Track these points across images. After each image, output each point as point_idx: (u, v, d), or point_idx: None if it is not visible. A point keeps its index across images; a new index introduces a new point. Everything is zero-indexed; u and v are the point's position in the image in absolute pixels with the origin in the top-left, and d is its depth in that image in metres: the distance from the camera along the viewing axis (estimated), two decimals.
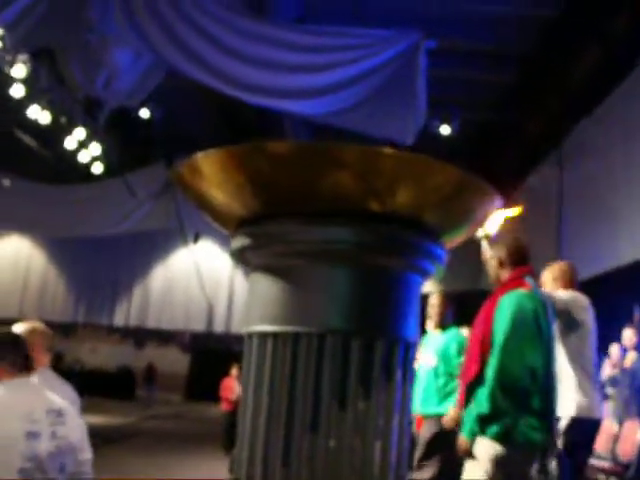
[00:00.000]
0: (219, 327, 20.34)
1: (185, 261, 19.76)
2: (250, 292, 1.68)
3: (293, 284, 1.57)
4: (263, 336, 1.59)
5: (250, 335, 1.63)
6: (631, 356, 5.80)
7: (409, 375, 1.62)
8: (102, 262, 20.50)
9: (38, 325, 2.99)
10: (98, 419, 12.84)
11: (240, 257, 1.69)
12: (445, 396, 4.68)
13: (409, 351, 1.62)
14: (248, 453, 1.56)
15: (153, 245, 20.26)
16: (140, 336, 22.26)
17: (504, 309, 3.00)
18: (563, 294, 3.86)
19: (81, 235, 17.51)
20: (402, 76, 9.79)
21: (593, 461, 5.69)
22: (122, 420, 13.62)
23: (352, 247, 1.53)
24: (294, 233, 1.54)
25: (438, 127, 12.80)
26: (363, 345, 1.53)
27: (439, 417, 4.59)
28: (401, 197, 1.49)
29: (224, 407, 9.77)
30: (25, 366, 2.47)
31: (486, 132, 15.04)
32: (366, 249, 1.54)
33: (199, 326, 20.52)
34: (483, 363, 2.95)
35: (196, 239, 18.92)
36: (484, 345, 2.96)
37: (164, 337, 22.19)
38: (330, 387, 1.51)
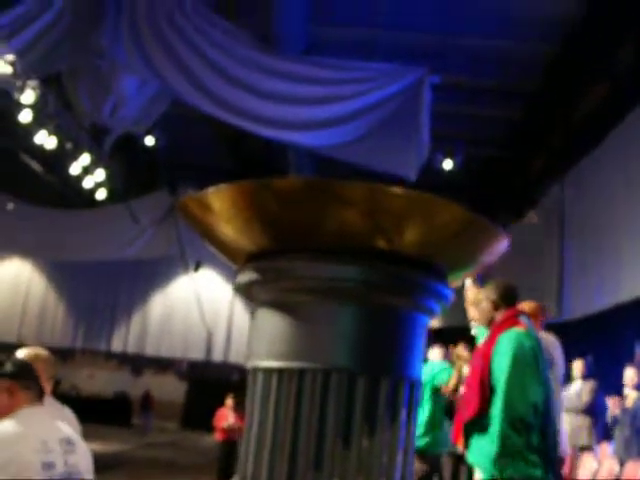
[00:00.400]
0: (218, 356, 20.24)
1: (185, 289, 19.76)
2: (256, 327, 1.68)
3: (299, 320, 1.57)
4: (268, 371, 1.58)
5: (255, 370, 1.63)
6: (632, 396, 5.76)
7: (413, 414, 1.62)
8: (102, 288, 20.50)
9: (41, 351, 2.97)
10: (94, 446, 12.67)
11: (247, 292, 1.70)
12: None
13: (414, 390, 1.62)
14: None
15: (154, 272, 20.26)
16: (138, 363, 22.13)
17: (504, 347, 3.05)
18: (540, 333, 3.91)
19: (83, 260, 17.53)
20: (406, 110, 9.87)
21: None
22: (118, 447, 13.47)
23: (359, 285, 1.53)
24: (301, 269, 1.54)
25: (441, 162, 12.88)
26: (368, 383, 1.53)
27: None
28: (408, 236, 1.50)
29: (218, 437, 9.67)
30: (40, 394, 2.45)
31: (489, 167, 15.13)
32: (373, 287, 1.54)
33: (198, 355, 20.43)
34: (482, 401, 2.97)
35: (197, 267, 18.92)
36: (483, 383, 3.00)
37: (162, 364, 22.07)
38: (335, 424, 1.51)
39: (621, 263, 8.99)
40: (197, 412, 20.34)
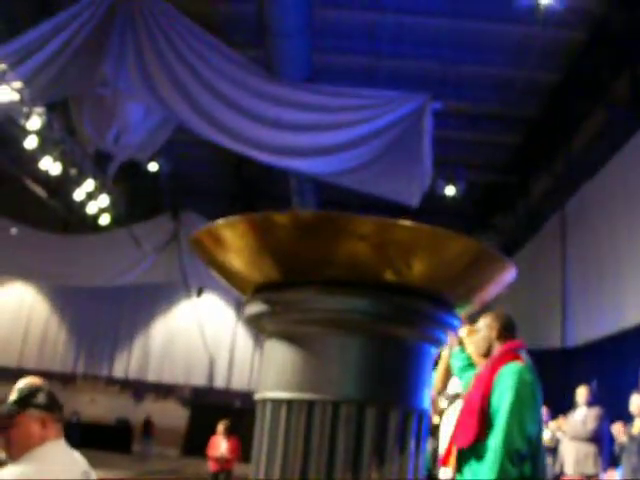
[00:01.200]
0: (220, 382, 20.17)
1: (188, 315, 19.75)
2: (264, 358, 1.69)
3: (308, 352, 1.58)
4: (277, 402, 1.59)
5: (263, 401, 1.64)
6: (639, 423, 5.73)
7: (422, 445, 1.62)
8: (104, 313, 20.49)
9: (39, 381, 2.98)
10: (96, 474, 12.57)
11: (255, 323, 1.71)
12: None
13: (422, 421, 1.62)
14: None
15: (156, 297, 20.27)
16: (139, 388, 22.03)
17: (506, 381, 3.10)
18: None
19: (85, 285, 17.55)
20: (408, 137, 9.94)
21: None
22: (118, 475, 13.35)
23: (367, 317, 1.55)
24: (310, 301, 1.56)
25: (443, 188, 12.95)
26: (378, 414, 1.54)
27: None
28: (417, 268, 1.52)
29: (211, 467, 9.60)
30: (63, 427, 2.48)
31: (491, 193, 15.19)
32: (382, 319, 1.56)
33: (200, 381, 20.36)
34: (481, 429, 3.03)
35: (199, 293, 18.92)
36: (484, 412, 3.05)
37: (163, 390, 21.96)
38: (344, 456, 1.51)
39: (624, 289, 8.99)
40: (199, 439, 20.18)
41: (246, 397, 19.54)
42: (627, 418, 6.13)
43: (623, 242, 9.11)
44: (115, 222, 14.32)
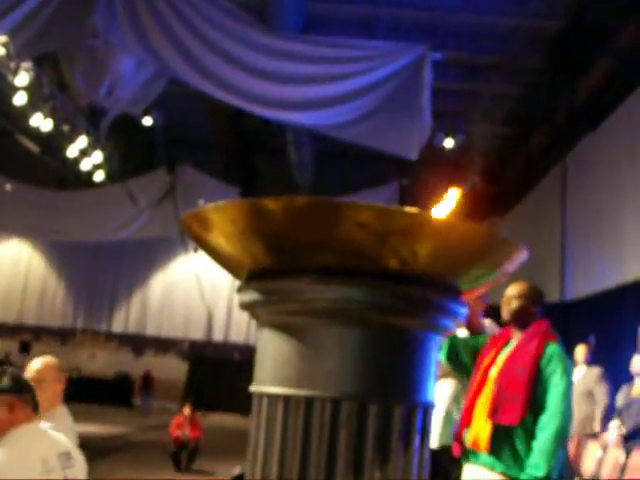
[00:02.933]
0: (218, 336, 20.29)
1: (185, 269, 19.75)
2: (260, 349, 1.59)
3: (306, 344, 1.48)
4: (273, 398, 1.50)
5: (260, 395, 1.55)
6: (639, 384, 5.70)
7: (427, 440, 1.54)
8: (102, 268, 20.49)
9: (49, 359, 2.97)
10: (95, 428, 12.75)
11: (249, 310, 1.61)
12: None
13: (427, 415, 1.53)
14: None
15: (153, 252, 20.23)
16: (138, 343, 22.18)
17: (558, 365, 3.01)
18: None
19: (81, 241, 17.49)
20: (407, 89, 9.73)
21: None
22: (119, 430, 13.52)
23: (368, 307, 1.45)
24: (308, 291, 1.45)
25: (442, 140, 12.75)
26: (381, 411, 1.45)
27: None
28: (421, 256, 1.41)
29: (174, 443, 9.73)
30: (36, 408, 2.43)
31: (492, 145, 15.00)
32: (384, 309, 1.45)
33: (198, 334, 20.48)
34: (526, 409, 2.93)
35: (197, 248, 18.88)
36: (530, 391, 2.94)
37: (163, 345, 22.11)
38: (345, 455, 1.43)
39: (625, 243, 8.91)
40: (198, 392, 20.45)
41: (244, 350, 19.68)
42: (624, 374, 6.10)
43: (625, 196, 9.00)
44: (110, 178, 14.15)
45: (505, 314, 3.16)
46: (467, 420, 3.05)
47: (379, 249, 1.39)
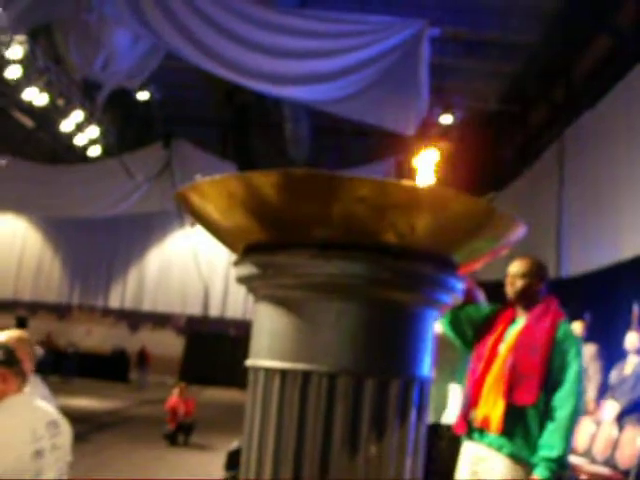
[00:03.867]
0: (215, 311, 20.32)
1: (182, 244, 19.70)
2: (257, 323, 1.58)
3: (303, 319, 1.48)
4: (270, 372, 1.50)
5: (255, 369, 1.54)
6: (633, 361, 5.74)
7: (423, 415, 1.54)
8: (98, 243, 20.44)
9: (22, 334, 3.00)
10: (92, 403, 12.81)
11: (246, 284, 1.61)
12: None
13: (424, 390, 1.53)
14: None
15: (150, 227, 20.19)
16: (135, 319, 22.22)
17: (572, 346, 2.96)
18: None
19: (77, 216, 17.42)
20: (405, 64, 9.65)
21: (591, 467, 5.66)
22: (116, 404, 13.58)
23: (367, 282, 1.44)
24: (305, 265, 1.44)
25: (440, 116, 12.69)
26: (377, 386, 1.45)
27: None
28: (419, 230, 1.40)
29: (169, 424, 9.77)
30: (24, 380, 2.52)
31: (488, 121, 14.94)
32: (381, 284, 1.45)
33: (195, 310, 20.51)
34: (541, 389, 2.88)
35: (193, 222, 18.83)
36: (546, 370, 2.88)
37: (159, 320, 22.16)
38: (341, 430, 1.43)
39: (621, 221, 8.91)
40: (195, 367, 20.56)
41: (241, 325, 19.73)
42: (619, 351, 6.13)
43: (622, 173, 8.97)
44: (106, 153, 14.07)
45: (510, 293, 3.06)
46: (475, 398, 2.95)
47: (377, 223, 1.38)
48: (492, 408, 2.88)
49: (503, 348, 2.97)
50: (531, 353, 2.90)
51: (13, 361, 2.47)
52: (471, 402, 2.96)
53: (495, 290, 3.59)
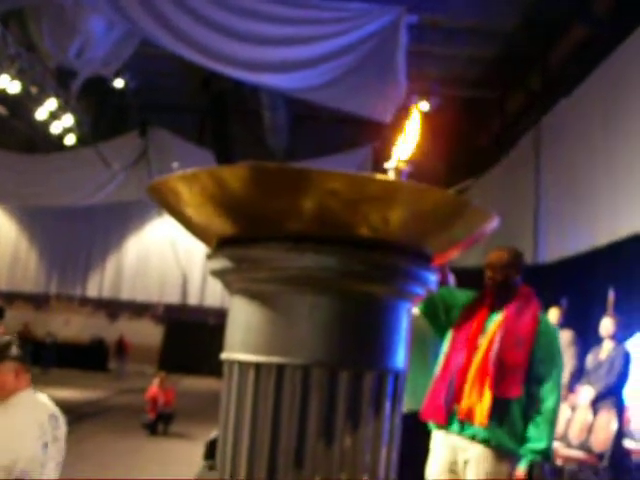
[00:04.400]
0: (193, 299, 20.26)
1: (160, 233, 19.59)
2: (231, 316, 1.58)
3: (277, 312, 1.48)
4: (244, 365, 1.50)
5: (230, 362, 1.54)
6: (607, 346, 5.82)
7: (398, 406, 1.55)
8: (75, 233, 20.25)
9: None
10: (72, 393, 12.75)
11: (220, 278, 1.60)
12: None
13: (398, 381, 1.54)
14: None
15: (127, 216, 20.03)
16: (113, 308, 22.10)
17: (554, 342, 3.04)
18: None
19: (53, 205, 17.22)
20: (382, 52, 9.64)
21: (566, 451, 5.75)
22: (95, 394, 13.53)
23: (340, 275, 1.44)
24: (278, 259, 1.44)
25: (417, 103, 12.69)
26: (351, 377, 1.45)
27: None
28: (392, 223, 1.41)
29: (149, 413, 9.74)
30: (30, 376, 2.66)
31: (466, 108, 14.98)
32: (354, 276, 1.45)
33: (173, 298, 20.43)
34: (524, 380, 2.91)
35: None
36: (528, 362, 2.92)
37: (138, 309, 22.06)
38: (316, 421, 1.44)
39: (597, 207, 9.00)
40: (174, 355, 20.52)
41: (219, 314, 19.69)
42: (595, 336, 6.21)
43: (598, 161, 9.05)
44: (81, 141, 13.90)
45: (490, 282, 3.05)
46: (459, 390, 2.92)
47: (350, 216, 1.38)
48: (478, 401, 2.86)
49: (484, 340, 2.96)
50: (516, 346, 2.91)
51: (24, 358, 2.60)
52: (455, 394, 2.93)
53: (473, 277, 3.59)
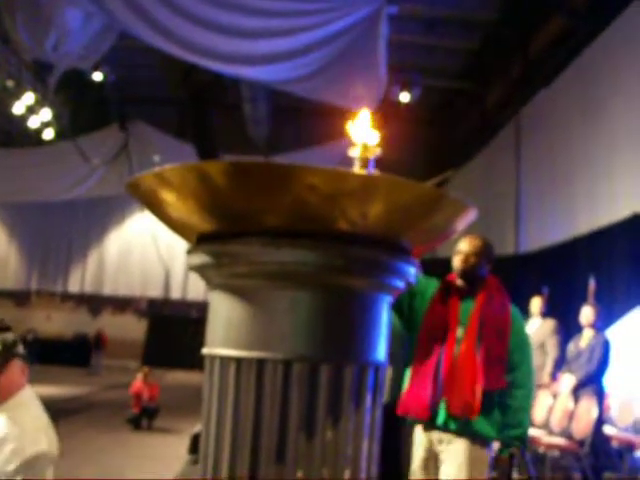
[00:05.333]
0: (176, 293, 20.19)
1: (141, 226, 19.46)
2: (212, 311, 1.58)
3: (257, 307, 1.48)
4: (225, 360, 1.50)
5: (212, 357, 1.54)
6: (588, 334, 5.87)
7: (379, 398, 1.56)
8: (55, 228, 20.08)
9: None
10: (54, 389, 12.66)
11: (200, 273, 1.60)
12: None
13: (379, 374, 1.55)
14: None
15: (108, 210, 19.89)
16: (95, 303, 21.95)
17: (523, 327, 3.08)
18: None
19: (33, 201, 17.05)
20: (363, 43, 9.62)
21: (548, 438, 5.81)
22: (79, 390, 13.46)
23: (319, 269, 1.45)
24: (258, 254, 1.44)
25: (398, 94, 12.69)
26: (332, 371, 1.46)
27: None
28: (370, 218, 1.41)
29: (134, 408, 9.71)
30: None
31: (447, 99, 15.02)
32: (334, 271, 1.46)
33: (156, 292, 20.34)
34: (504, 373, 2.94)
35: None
36: (506, 356, 2.93)
37: (120, 303, 21.94)
38: (297, 416, 1.44)
39: (576, 196, 9.07)
40: (157, 350, 20.46)
41: (202, 307, 19.65)
42: (577, 325, 6.26)
43: (576, 150, 9.12)
44: (60, 136, 13.75)
45: (460, 270, 3.01)
46: (448, 385, 2.87)
47: (329, 211, 1.39)
48: (470, 395, 2.84)
49: (462, 332, 2.93)
50: (496, 338, 2.92)
51: (26, 354, 2.62)
52: (444, 389, 2.89)
53: (443, 267, 3.53)
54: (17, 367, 2.56)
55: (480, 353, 2.87)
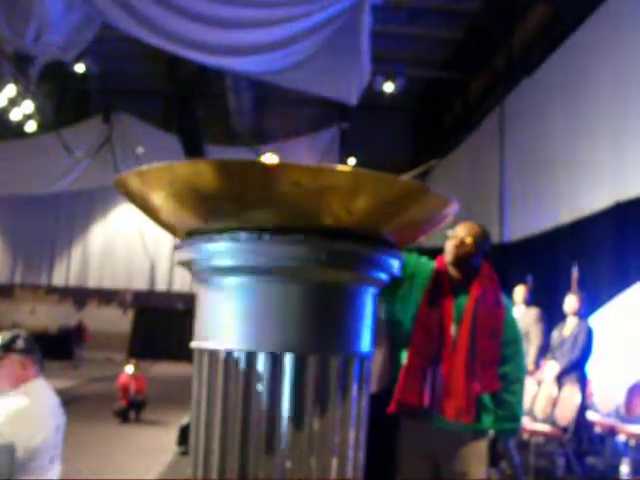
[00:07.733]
0: (161, 285, 20.17)
1: (126, 219, 19.40)
2: (200, 306, 1.61)
3: (245, 301, 1.51)
4: (215, 354, 1.53)
5: (200, 351, 1.57)
6: (571, 322, 5.95)
7: (365, 388, 1.60)
8: (39, 220, 19.96)
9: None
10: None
11: (189, 268, 1.63)
12: None
13: (364, 365, 1.59)
14: (203, 474, 1.52)
15: (92, 202, 19.80)
16: (80, 296, 21.86)
17: (515, 320, 3.05)
18: None
19: (15, 194, 16.93)
20: (347, 33, 9.62)
21: (532, 425, 5.90)
22: (65, 384, 13.42)
23: (305, 264, 1.48)
24: (245, 249, 1.47)
25: (382, 84, 12.72)
26: (319, 363, 1.49)
27: None
28: (355, 213, 1.44)
29: (121, 401, 9.71)
30: (42, 365, 2.87)
31: (431, 89, 15.06)
32: (320, 265, 1.49)
33: (141, 285, 20.31)
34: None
35: None
36: (499, 356, 2.89)
37: (105, 296, 21.86)
38: (286, 407, 1.48)
39: (559, 186, 9.16)
40: (143, 342, 20.43)
41: (188, 299, 19.65)
42: (560, 313, 6.34)
43: (559, 141, 9.20)
44: (42, 128, 13.65)
45: (454, 256, 2.89)
46: (448, 387, 2.79)
47: (314, 207, 1.42)
48: (463, 400, 2.80)
49: (457, 330, 2.86)
50: (491, 338, 2.87)
51: (32, 349, 2.79)
52: (442, 392, 2.82)
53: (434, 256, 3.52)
54: (14, 362, 2.73)
55: (474, 356, 2.82)
